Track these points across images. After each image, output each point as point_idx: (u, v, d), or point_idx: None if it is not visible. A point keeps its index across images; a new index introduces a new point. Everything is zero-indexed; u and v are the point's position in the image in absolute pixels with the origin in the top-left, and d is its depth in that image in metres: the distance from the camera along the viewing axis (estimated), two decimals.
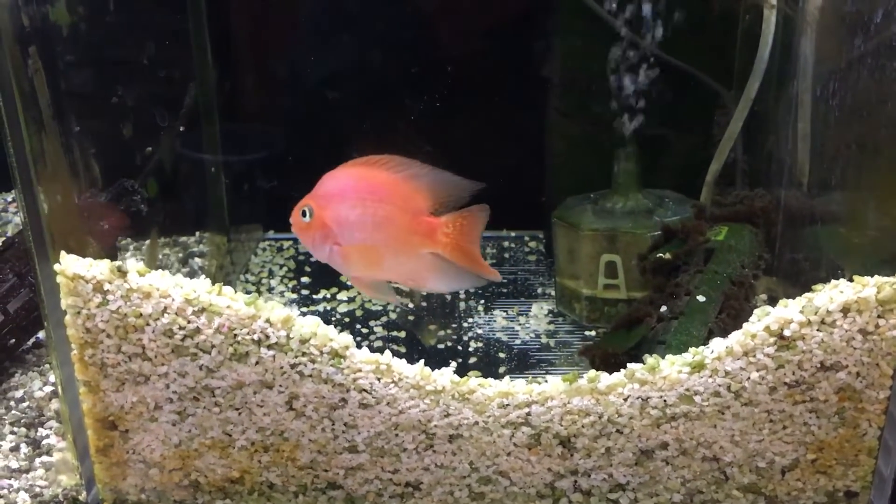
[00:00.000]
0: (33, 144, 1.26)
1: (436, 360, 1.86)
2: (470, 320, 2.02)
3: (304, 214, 1.46)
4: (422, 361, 1.38)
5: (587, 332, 1.96)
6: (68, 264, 1.31)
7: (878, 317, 1.27)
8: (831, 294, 1.29)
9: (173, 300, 1.32)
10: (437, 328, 1.98)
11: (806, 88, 1.72)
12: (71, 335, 1.34)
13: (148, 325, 1.32)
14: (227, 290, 1.35)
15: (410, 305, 2.09)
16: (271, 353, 1.34)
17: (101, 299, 1.32)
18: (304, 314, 1.44)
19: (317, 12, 2.27)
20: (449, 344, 1.93)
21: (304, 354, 1.34)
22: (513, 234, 2.47)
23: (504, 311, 2.06)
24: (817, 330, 1.29)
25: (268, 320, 1.33)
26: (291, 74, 2.34)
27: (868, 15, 1.41)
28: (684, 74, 2.01)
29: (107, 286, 1.31)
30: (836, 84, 1.55)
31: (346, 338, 1.35)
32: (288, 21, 2.26)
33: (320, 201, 1.46)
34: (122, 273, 1.31)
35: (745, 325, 1.33)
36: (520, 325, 2.01)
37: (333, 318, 2.03)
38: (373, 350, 1.88)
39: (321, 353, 1.34)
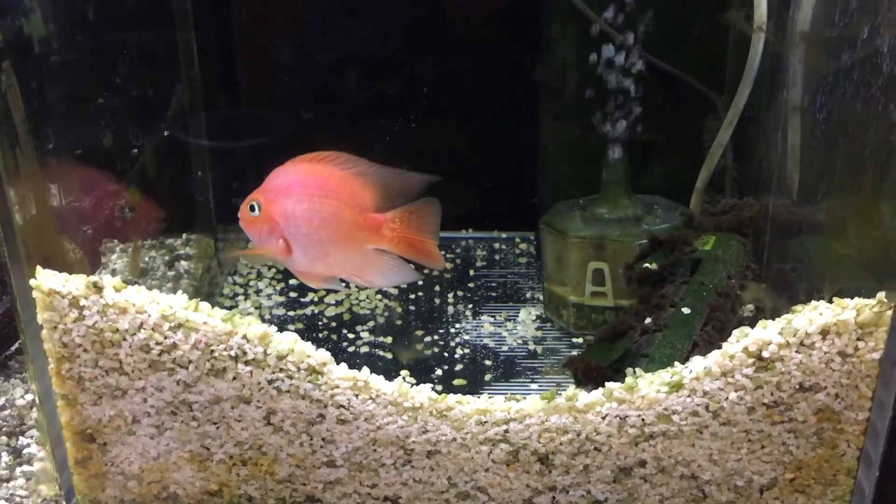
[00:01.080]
0: (7, 161, 1.25)
1: (422, 367, 1.86)
2: (457, 325, 2.02)
3: (252, 209, 1.49)
4: (400, 378, 1.37)
5: (574, 339, 1.95)
6: (44, 279, 1.31)
7: (858, 339, 1.26)
8: (810, 316, 1.28)
9: (149, 316, 1.31)
10: (419, 340, 1.96)
11: (795, 98, 1.70)
12: (48, 349, 1.34)
13: (125, 340, 1.32)
14: (204, 305, 1.34)
15: (398, 310, 2.08)
16: (248, 368, 1.33)
17: (78, 314, 1.31)
18: (280, 325, 1.44)
19: (311, 13, 2.26)
20: (435, 350, 1.93)
21: (281, 370, 1.34)
22: (503, 235, 2.46)
23: (491, 317, 2.05)
24: (796, 352, 1.28)
25: (244, 336, 1.33)
26: (283, 73, 2.33)
27: (850, 38, 1.39)
28: (675, 79, 1.99)
29: (83, 301, 1.31)
30: (823, 98, 1.54)
31: (324, 354, 1.35)
32: (278, 18, 2.25)
33: (268, 195, 1.49)
34: (97, 288, 1.31)
35: (724, 345, 1.32)
36: (507, 330, 2.00)
37: (321, 322, 2.03)
38: (360, 355, 1.91)
39: (298, 369, 1.34)
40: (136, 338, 1.32)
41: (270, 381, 1.34)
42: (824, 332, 1.27)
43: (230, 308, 2.08)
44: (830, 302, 1.30)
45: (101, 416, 1.38)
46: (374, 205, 1.53)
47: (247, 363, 1.33)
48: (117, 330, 1.32)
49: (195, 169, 2.10)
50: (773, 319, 1.65)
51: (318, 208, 1.51)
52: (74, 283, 1.31)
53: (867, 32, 1.38)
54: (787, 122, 1.73)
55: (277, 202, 1.51)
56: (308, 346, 1.35)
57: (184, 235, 2.06)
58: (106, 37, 1.74)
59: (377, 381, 1.36)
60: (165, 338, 1.32)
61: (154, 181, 1.93)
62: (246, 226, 1.55)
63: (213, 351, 1.32)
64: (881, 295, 1.26)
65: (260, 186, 1.56)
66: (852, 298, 1.29)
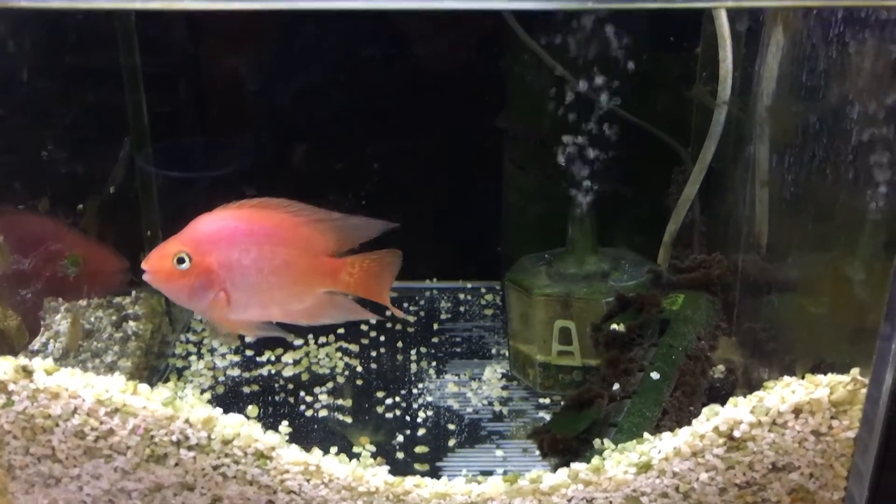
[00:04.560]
0: None
1: (384, 431, 1.78)
2: (420, 385, 1.94)
3: (181, 261, 1.41)
4: (354, 461, 1.30)
5: (541, 400, 1.89)
6: None
7: (832, 418, 1.21)
8: (783, 394, 1.23)
9: (84, 401, 1.23)
10: (380, 402, 1.88)
11: (763, 155, 1.66)
12: None
13: (57, 426, 1.24)
14: (143, 388, 1.26)
15: (359, 370, 2.00)
16: (192, 454, 1.25)
17: (6, 400, 1.23)
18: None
19: (269, 62, 2.20)
20: (397, 413, 1.85)
21: (227, 455, 1.25)
22: (469, 285, 2.39)
23: (456, 375, 1.98)
24: (768, 431, 1.22)
25: (187, 420, 1.24)
26: (242, 123, 2.27)
27: (818, 99, 1.36)
28: (640, 130, 1.94)
29: (11, 386, 1.22)
30: (791, 158, 1.50)
31: (273, 438, 1.27)
32: (233, 71, 2.18)
33: (202, 246, 1.42)
34: (27, 373, 1.22)
35: (693, 423, 1.26)
36: (472, 390, 1.93)
37: (277, 384, 1.94)
38: (318, 418, 1.82)
39: (245, 453, 1.26)
40: (70, 423, 1.23)
41: (215, 467, 1.26)
42: (797, 411, 1.21)
43: (182, 369, 1.99)
44: (803, 378, 1.25)
45: None
46: (329, 250, 1.51)
47: (190, 448, 1.25)
48: (49, 416, 1.23)
49: (144, 226, 2.02)
50: (744, 378, 1.60)
51: (270, 256, 1.47)
52: (2, 367, 1.22)
53: (834, 94, 1.34)
54: (754, 176, 1.69)
55: (216, 253, 1.44)
56: (256, 429, 1.27)
57: (132, 293, 1.97)
58: (48, 91, 1.67)
59: (330, 465, 1.28)
60: (101, 423, 1.23)
61: (100, 234, 1.85)
62: (167, 280, 1.44)
63: (153, 436, 1.24)
64: (855, 372, 1.21)
65: (178, 236, 1.46)
66: (826, 374, 1.24)
